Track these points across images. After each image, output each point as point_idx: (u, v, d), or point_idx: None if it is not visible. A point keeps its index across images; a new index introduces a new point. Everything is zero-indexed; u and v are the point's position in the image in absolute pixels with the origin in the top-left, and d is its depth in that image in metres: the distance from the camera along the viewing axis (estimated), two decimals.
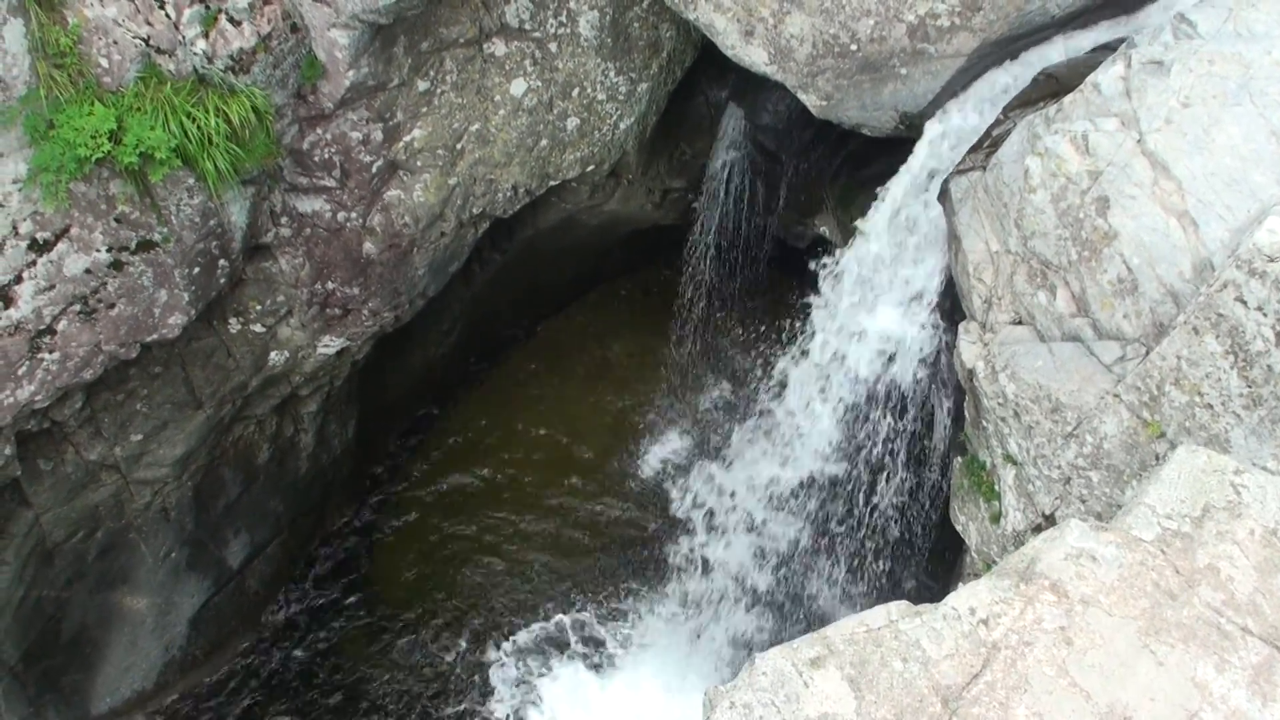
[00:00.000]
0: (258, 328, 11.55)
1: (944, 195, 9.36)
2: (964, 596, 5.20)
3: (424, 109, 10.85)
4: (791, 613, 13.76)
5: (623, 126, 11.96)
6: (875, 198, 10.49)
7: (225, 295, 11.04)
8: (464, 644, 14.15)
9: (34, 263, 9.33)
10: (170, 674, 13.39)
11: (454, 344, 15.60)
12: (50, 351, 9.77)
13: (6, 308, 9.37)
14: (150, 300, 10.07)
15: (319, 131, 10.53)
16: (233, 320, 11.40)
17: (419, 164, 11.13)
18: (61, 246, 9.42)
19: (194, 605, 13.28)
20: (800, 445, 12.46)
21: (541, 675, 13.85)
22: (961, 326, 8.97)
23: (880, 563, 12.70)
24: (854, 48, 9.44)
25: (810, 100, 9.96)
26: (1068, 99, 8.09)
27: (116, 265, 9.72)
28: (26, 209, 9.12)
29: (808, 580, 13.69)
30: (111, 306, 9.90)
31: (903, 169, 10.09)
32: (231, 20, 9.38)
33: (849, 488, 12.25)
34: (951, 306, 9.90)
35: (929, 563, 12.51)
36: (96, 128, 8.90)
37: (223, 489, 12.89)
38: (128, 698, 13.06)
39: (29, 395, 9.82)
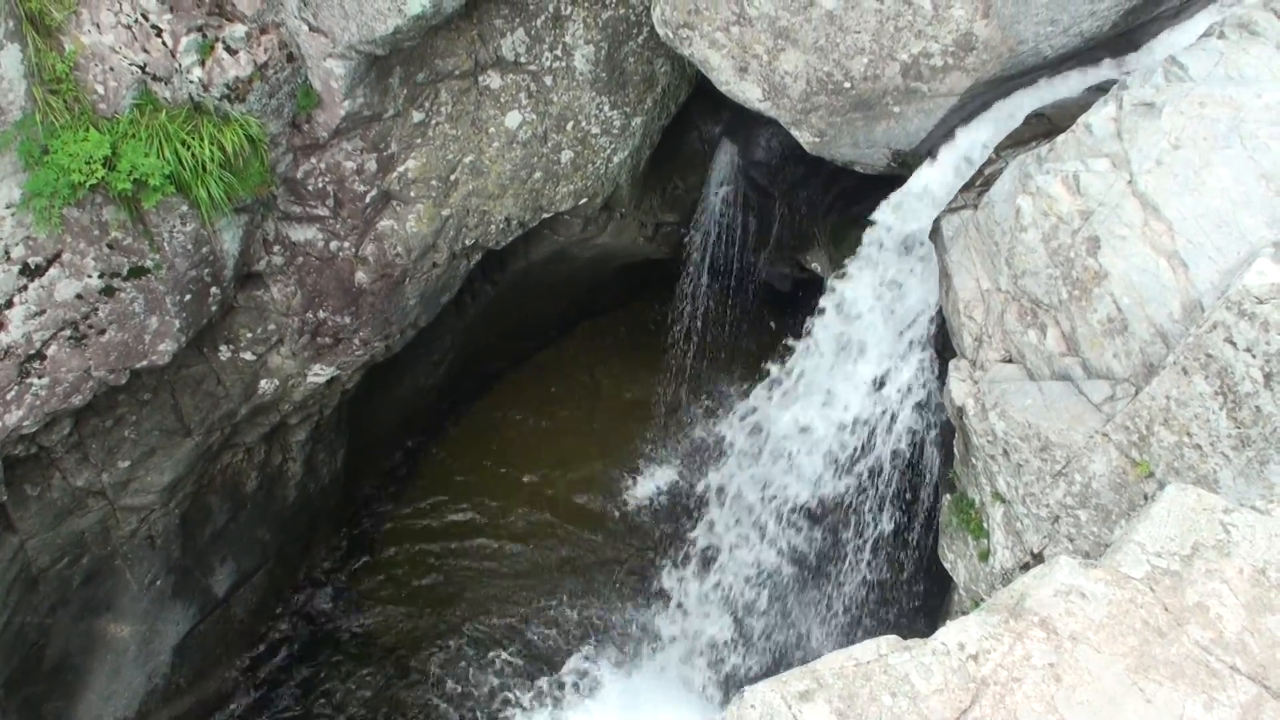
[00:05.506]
0: (248, 355, 11.54)
1: (935, 233, 9.40)
2: (953, 632, 5.19)
3: (418, 140, 10.88)
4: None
5: (616, 160, 12.00)
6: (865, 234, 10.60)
7: (216, 322, 11.03)
8: (451, 677, 14.08)
9: (25, 287, 9.32)
10: (153, 703, 13.27)
11: (444, 374, 15.59)
12: (39, 376, 9.74)
13: None
14: (141, 327, 10.05)
15: (313, 161, 10.54)
16: (223, 348, 11.39)
17: (412, 194, 11.15)
18: (53, 271, 9.41)
19: (178, 633, 13.18)
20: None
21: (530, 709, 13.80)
22: (952, 364, 8.99)
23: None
24: (847, 85, 9.50)
25: (803, 137, 10.01)
26: (1059, 139, 8.15)
27: (108, 291, 9.71)
28: (19, 233, 9.11)
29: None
30: (102, 332, 9.88)
31: None
32: (228, 49, 9.41)
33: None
34: (942, 343, 9.93)
35: (917, 600, 12.52)
36: (91, 154, 8.90)
37: (210, 517, 12.83)
38: None
39: (17, 420, 9.78)
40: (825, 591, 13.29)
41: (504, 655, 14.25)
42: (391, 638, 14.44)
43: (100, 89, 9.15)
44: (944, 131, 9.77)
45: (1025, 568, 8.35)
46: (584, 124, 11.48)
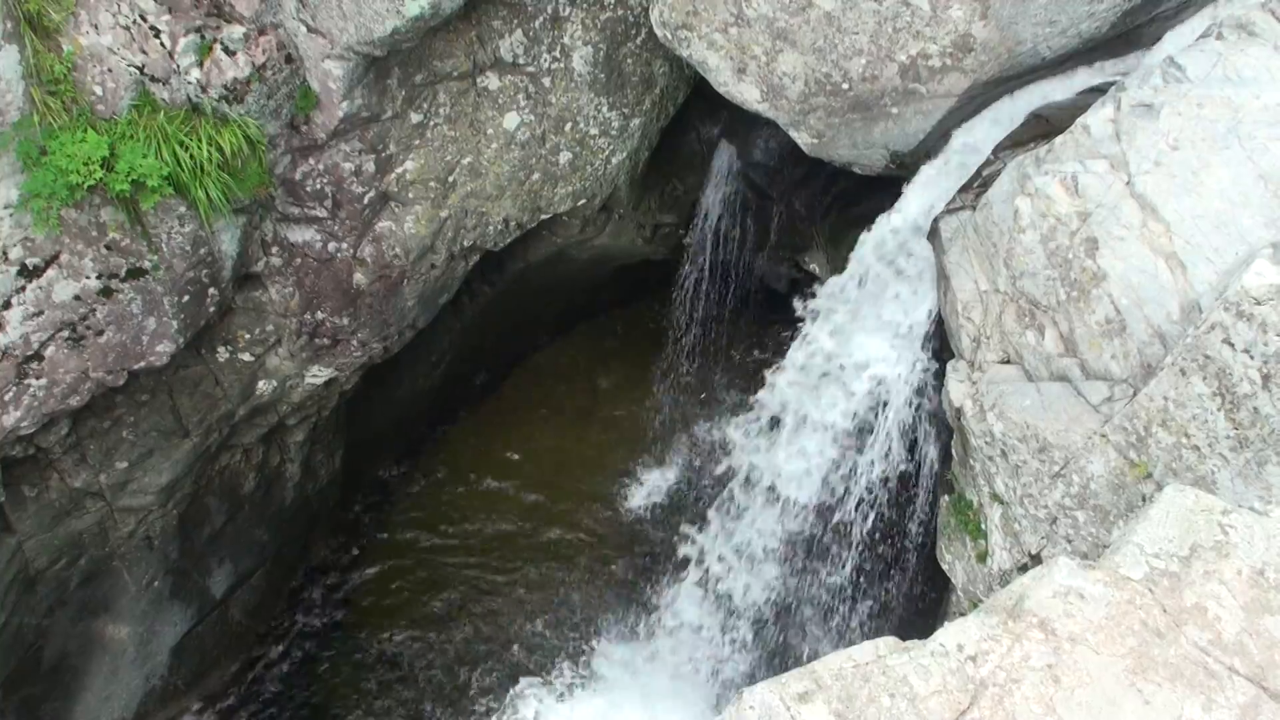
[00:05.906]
0: (246, 356, 11.53)
1: (934, 234, 9.39)
2: (952, 633, 5.19)
3: (417, 141, 10.88)
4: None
5: (615, 161, 12.00)
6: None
7: (214, 324, 11.02)
8: (443, 678, 14.07)
9: (23, 288, 9.31)
10: (151, 704, 13.27)
11: (442, 376, 15.57)
12: (37, 378, 9.73)
13: None
14: (139, 328, 10.04)
15: (311, 162, 10.54)
16: (221, 349, 11.38)
17: (410, 196, 11.15)
18: (51, 273, 9.40)
19: (176, 634, 13.18)
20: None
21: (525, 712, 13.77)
22: (950, 365, 8.99)
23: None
24: (845, 86, 9.50)
25: (802, 138, 10.01)
26: (1058, 140, 8.14)
27: (106, 292, 9.70)
28: (17, 235, 9.10)
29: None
30: (100, 333, 9.87)
31: None
32: (226, 50, 9.40)
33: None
34: (940, 344, 9.92)
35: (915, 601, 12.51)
36: (89, 155, 8.89)
37: (207, 518, 12.82)
38: None
39: (15, 421, 9.77)
40: None
41: (498, 656, 14.24)
42: (386, 639, 14.42)
43: (98, 90, 9.14)
44: (941, 132, 9.78)
45: (1023, 569, 8.34)
46: (582, 125, 11.48)
